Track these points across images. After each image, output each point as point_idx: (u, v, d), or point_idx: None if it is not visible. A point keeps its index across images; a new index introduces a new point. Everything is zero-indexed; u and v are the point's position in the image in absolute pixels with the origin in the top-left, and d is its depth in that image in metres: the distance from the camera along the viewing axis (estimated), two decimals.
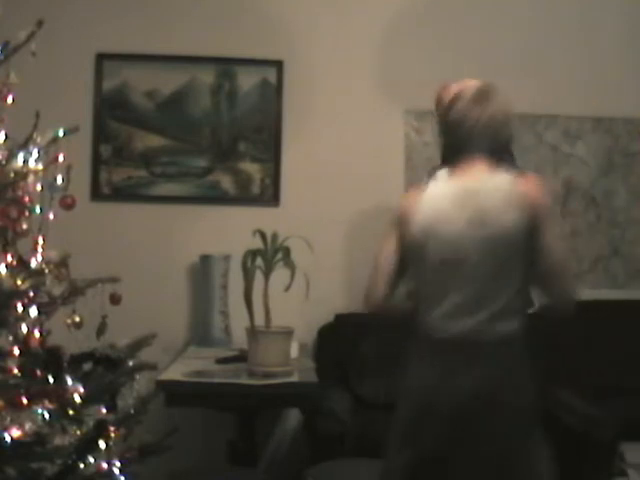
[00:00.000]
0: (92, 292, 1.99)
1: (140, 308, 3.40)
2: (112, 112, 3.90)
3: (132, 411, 1.96)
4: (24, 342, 1.73)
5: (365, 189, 3.93)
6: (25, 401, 1.66)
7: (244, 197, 3.95)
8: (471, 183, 2.07)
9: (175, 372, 2.97)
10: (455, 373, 2.00)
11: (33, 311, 1.77)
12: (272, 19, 3.95)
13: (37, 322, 1.78)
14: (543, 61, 4.02)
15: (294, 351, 3.12)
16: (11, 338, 1.73)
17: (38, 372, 1.73)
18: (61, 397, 1.72)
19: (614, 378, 3.63)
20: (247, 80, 3.95)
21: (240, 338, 3.24)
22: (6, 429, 1.63)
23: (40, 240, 1.88)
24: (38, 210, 1.88)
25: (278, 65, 3.95)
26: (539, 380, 2.06)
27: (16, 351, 1.71)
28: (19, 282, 1.74)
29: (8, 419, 1.65)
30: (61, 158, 1.91)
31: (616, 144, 4.11)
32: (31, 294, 1.77)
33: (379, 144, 3.98)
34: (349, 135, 3.97)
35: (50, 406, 1.70)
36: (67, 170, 1.91)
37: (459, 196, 2.06)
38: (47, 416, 1.70)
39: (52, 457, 1.69)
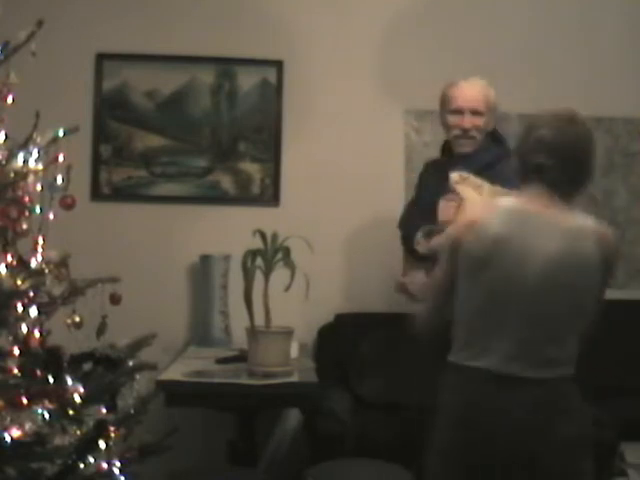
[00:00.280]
0: (92, 292, 1.99)
1: (140, 308, 3.40)
2: (112, 112, 3.90)
3: (132, 411, 1.97)
4: (24, 342, 1.74)
5: (365, 189, 3.92)
6: (25, 401, 1.66)
7: (244, 197, 3.95)
8: (559, 216, 2.00)
9: (175, 372, 2.97)
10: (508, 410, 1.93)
11: (33, 311, 1.77)
12: (272, 19, 3.95)
13: (37, 322, 1.79)
14: (543, 61, 4.02)
15: (294, 351, 3.12)
16: (11, 338, 1.73)
17: (38, 372, 1.73)
18: (61, 397, 1.72)
19: (614, 378, 3.61)
20: (247, 80, 3.95)
21: (240, 338, 3.24)
22: (6, 429, 1.63)
23: (40, 240, 1.88)
24: (38, 210, 1.88)
25: (278, 65, 3.94)
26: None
27: (16, 351, 1.71)
28: (19, 282, 1.75)
29: (8, 419, 1.65)
30: (61, 158, 1.91)
31: (616, 144, 4.10)
32: (31, 294, 1.77)
33: (379, 144, 3.98)
34: (349, 135, 3.97)
35: (50, 406, 1.71)
36: (67, 170, 1.91)
37: (543, 223, 1.97)
38: (47, 416, 1.70)
39: (52, 457, 1.69)
